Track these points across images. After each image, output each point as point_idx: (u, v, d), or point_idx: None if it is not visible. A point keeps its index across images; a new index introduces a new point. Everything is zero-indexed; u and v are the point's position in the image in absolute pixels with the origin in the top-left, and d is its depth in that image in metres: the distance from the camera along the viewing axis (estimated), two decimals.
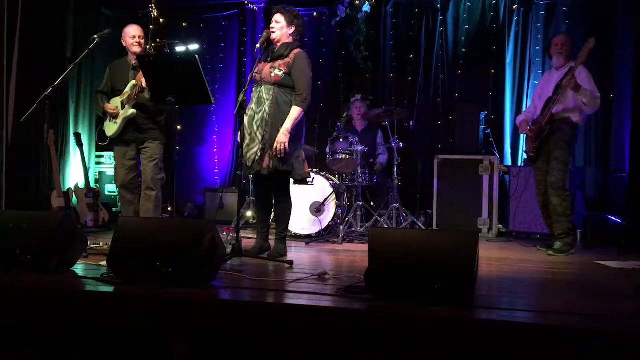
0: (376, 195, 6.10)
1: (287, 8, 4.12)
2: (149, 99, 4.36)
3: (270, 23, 4.08)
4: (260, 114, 3.96)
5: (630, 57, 5.88)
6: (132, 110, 4.42)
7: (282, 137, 3.88)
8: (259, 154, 3.95)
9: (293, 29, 4.07)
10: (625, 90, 5.86)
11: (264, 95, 3.98)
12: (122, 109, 4.45)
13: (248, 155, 3.98)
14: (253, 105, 4.02)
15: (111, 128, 4.54)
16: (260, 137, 3.95)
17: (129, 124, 4.47)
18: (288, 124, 3.90)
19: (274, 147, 3.88)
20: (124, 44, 4.57)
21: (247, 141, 4.00)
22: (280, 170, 3.98)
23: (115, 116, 4.49)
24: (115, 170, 4.74)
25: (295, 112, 3.93)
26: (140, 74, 4.31)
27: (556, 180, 4.60)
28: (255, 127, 3.96)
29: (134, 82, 4.41)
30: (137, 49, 4.50)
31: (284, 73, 3.95)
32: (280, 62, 3.99)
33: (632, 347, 2.07)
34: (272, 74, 3.96)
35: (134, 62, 4.51)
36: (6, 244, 3.10)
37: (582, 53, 4.45)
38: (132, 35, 4.51)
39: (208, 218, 6.44)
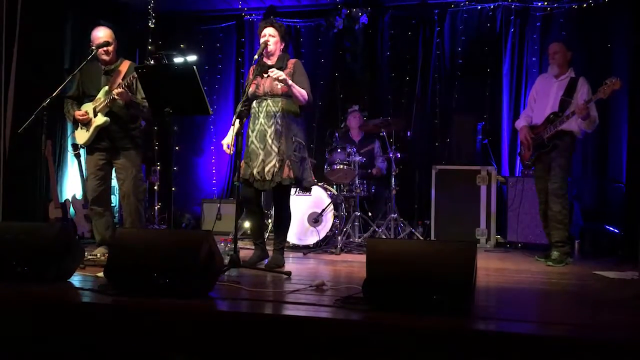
0: (374, 205, 6.10)
1: (278, 22, 4.17)
2: (123, 107, 4.29)
3: (261, 35, 4.07)
4: (273, 127, 3.98)
5: (626, 66, 5.93)
6: (105, 119, 4.27)
7: (283, 75, 3.84)
8: (278, 166, 3.96)
9: (283, 45, 4.14)
10: (621, 100, 5.89)
11: (272, 108, 3.99)
12: (95, 117, 4.29)
13: (266, 169, 3.96)
14: (262, 120, 4.00)
15: (82, 136, 4.37)
16: (276, 150, 3.97)
17: (101, 132, 4.32)
18: (292, 84, 3.90)
19: (276, 75, 3.82)
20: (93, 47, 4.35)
21: (261, 156, 3.98)
22: (299, 179, 4.06)
23: (86, 123, 4.33)
24: (86, 180, 4.51)
25: (303, 90, 3.96)
26: (114, 80, 4.26)
27: (558, 187, 4.61)
28: (270, 141, 3.97)
29: (106, 88, 4.28)
30: (105, 58, 4.36)
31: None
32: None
33: (631, 357, 2.07)
34: (279, 86, 3.98)
35: (104, 67, 4.40)
36: (3, 255, 3.09)
37: (603, 89, 4.36)
38: (97, 44, 4.32)
39: (205, 229, 6.43)
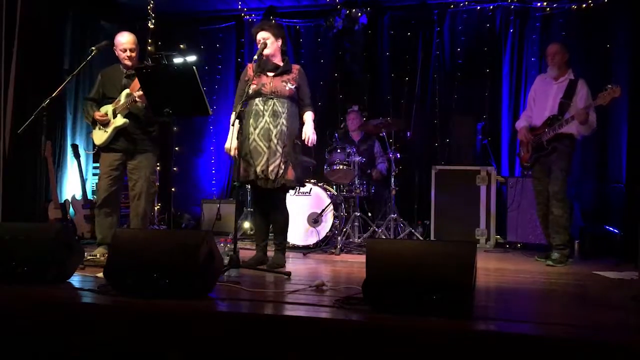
0: (374, 205, 6.10)
1: (268, 22, 4.18)
2: (142, 109, 4.34)
3: (257, 42, 4.05)
4: (279, 127, 4.00)
5: (625, 67, 5.93)
6: (125, 120, 4.33)
7: (312, 132, 4.10)
8: (283, 167, 3.98)
9: (281, 40, 4.13)
10: (621, 100, 5.88)
11: (279, 109, 4.01)
12: (114, 118, 4.36)
13: (270, 168, 3.97)
14: (267, 118, 4.00)
15: (100, 136, 4.41)
16: (281, 150, 3.98)
17: (119, 134, 4.37)
18: (311, 123, 4.14)
19: (309, 140, 4.08)
20: (115, 52, 4.47)
21: (265, 155, 3.98)
22: (301, 180, 4.15)
23: (105, 124, 4.37)
24: (98, 179, 4.54)
25: (312, 115, 4.16)
26: (135, 83, 4.28)
27: (559, 191, 4.60)
28: (275, 141, 3.99)
29: (128, 90, 4.33)
30: (128, 63, 4.42)
31: (294, 87, 4.07)
32: (287, 76, 4.07)
33: (631, 358, 2.07)
34: (287, 87, 4.02)
35: (126, 70, 4.45)
36: (3, 255, 3.09)
37: (603, 96, 4.34)
38: (123, 48, 4.40)
39: (205, 229, 6.42)
